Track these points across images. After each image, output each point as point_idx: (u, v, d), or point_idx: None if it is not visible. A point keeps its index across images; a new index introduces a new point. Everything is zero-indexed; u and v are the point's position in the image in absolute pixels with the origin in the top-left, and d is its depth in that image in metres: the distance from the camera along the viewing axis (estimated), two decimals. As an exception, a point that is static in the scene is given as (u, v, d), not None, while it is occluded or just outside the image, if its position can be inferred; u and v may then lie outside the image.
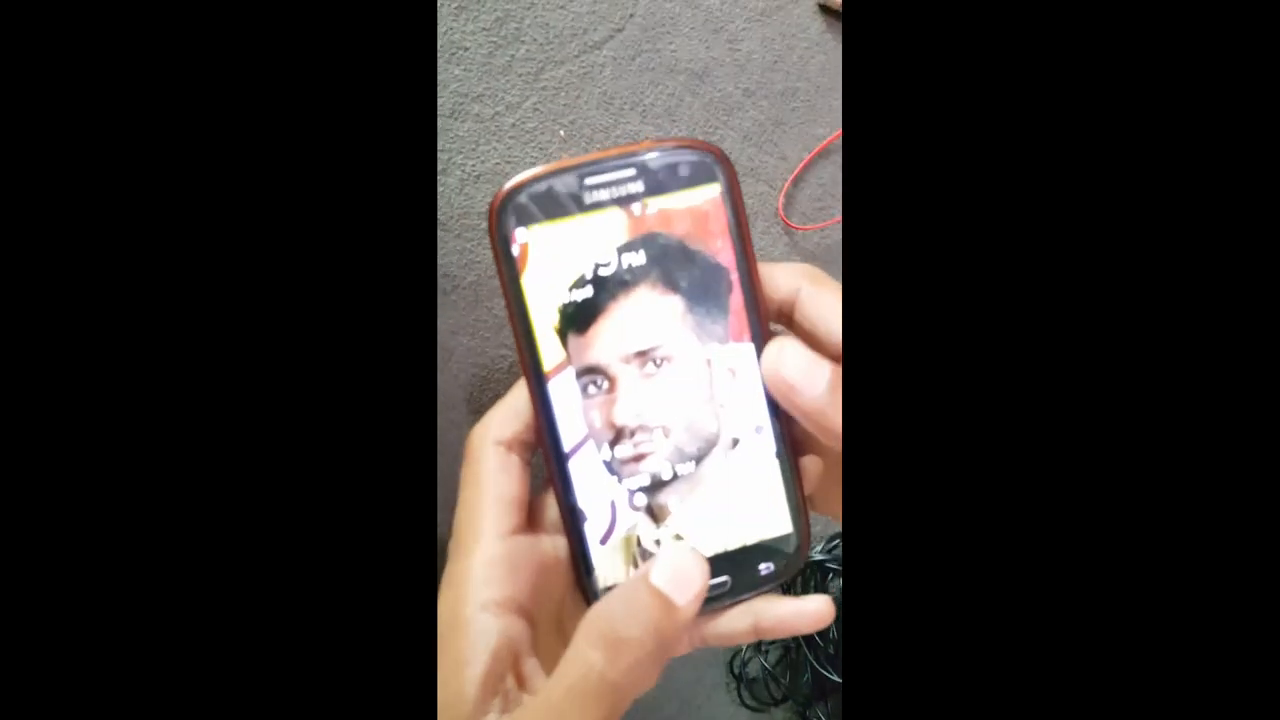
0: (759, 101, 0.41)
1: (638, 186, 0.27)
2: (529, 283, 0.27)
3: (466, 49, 0.34)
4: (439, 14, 0.33)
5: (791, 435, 0.29)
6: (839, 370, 0.25)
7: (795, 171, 0.43)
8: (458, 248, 0.35)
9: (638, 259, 0.27)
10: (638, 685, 0.23)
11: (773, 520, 0.29)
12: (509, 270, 0.27)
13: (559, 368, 0.27)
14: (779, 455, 0.29)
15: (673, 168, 0.27)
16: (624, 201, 0.27)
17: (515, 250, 0.27)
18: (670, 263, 0.28)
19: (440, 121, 0.34)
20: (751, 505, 0.29)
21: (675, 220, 0.27)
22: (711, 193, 0.28)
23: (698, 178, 0.28)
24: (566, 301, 0.27)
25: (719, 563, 0.29)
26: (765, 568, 0.29)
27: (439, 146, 0.34)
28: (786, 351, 0.26)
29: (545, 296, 0.27)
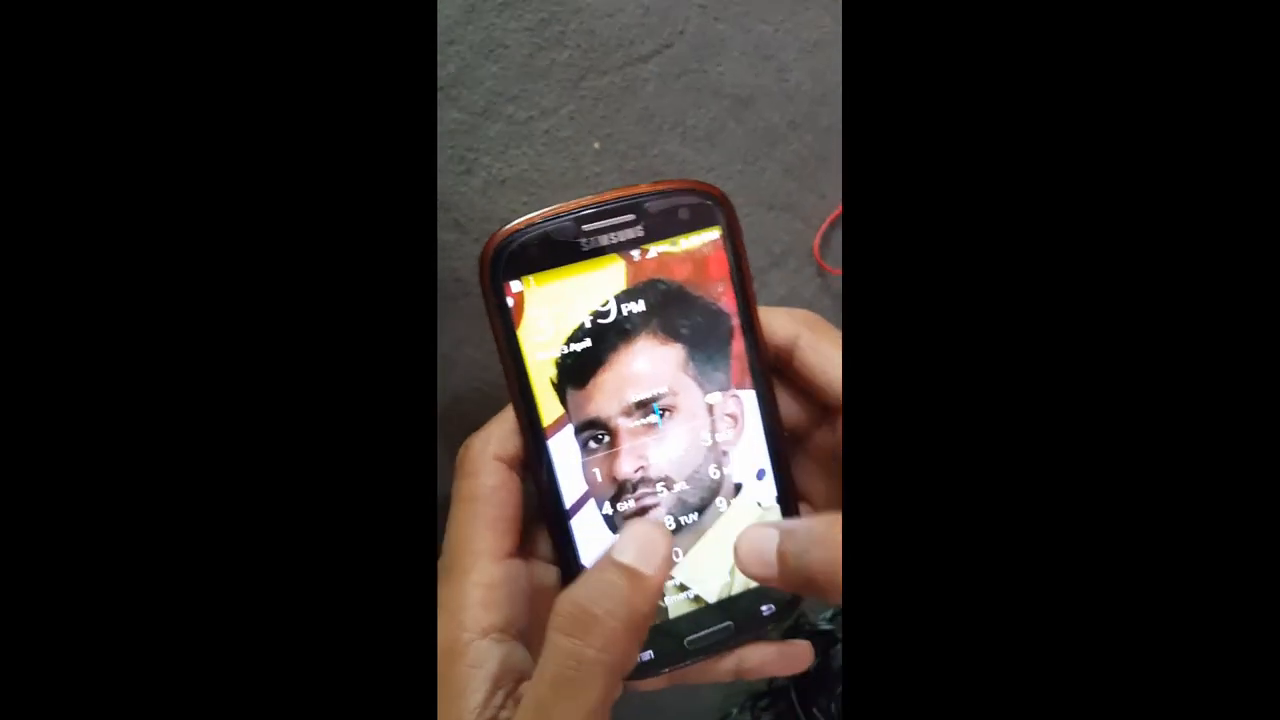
0: (803, 135, 0.39)
1: (637, 232, 0.26)
2: (525, 336, 0.26)
3: (507, 47, 0.32)
4: (481, 8, 0.31)
5: (792, 479, 0.29)
6: (788, 531, 0.24)
7: (835, 213, 0.41)
8: (474, 253, 0.33)
9: (637, 307, 0.26)
10: (620, 662, 0.22)
11: None
12: (503, 323, 0.26)
13: (558, 424, 0.26)
14: (779, 500, 0.29)
15: (672, 212, 0.26)
16: (623, 248, 0.26)
17: (510, 302, 0.25)
18: (671, 310, 0.27)
19: (470, 119, 0.32)
20: None
21: (675, 266, 0.27)
22: (712, 236, 0.27)
23: (698, 222, 0.27)
24: (564, 354, 0.26)
25: (722, 608, 0.29)
26: (767, 609, 0.29)
27: (466, 146, 0.32)
28: (740, 541, 0.25)
29: (542, 350, 0.26)
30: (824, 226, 0.41)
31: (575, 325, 0.26)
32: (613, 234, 0.26)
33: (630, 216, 0.26)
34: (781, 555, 0.24)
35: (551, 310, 0.26)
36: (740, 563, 0.24)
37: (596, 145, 0.35)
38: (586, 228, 0.26)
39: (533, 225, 0.25)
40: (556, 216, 0.25)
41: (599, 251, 0.26)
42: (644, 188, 0.26)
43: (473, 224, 0.33)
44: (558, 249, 0.25)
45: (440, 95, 0.31)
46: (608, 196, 0.26)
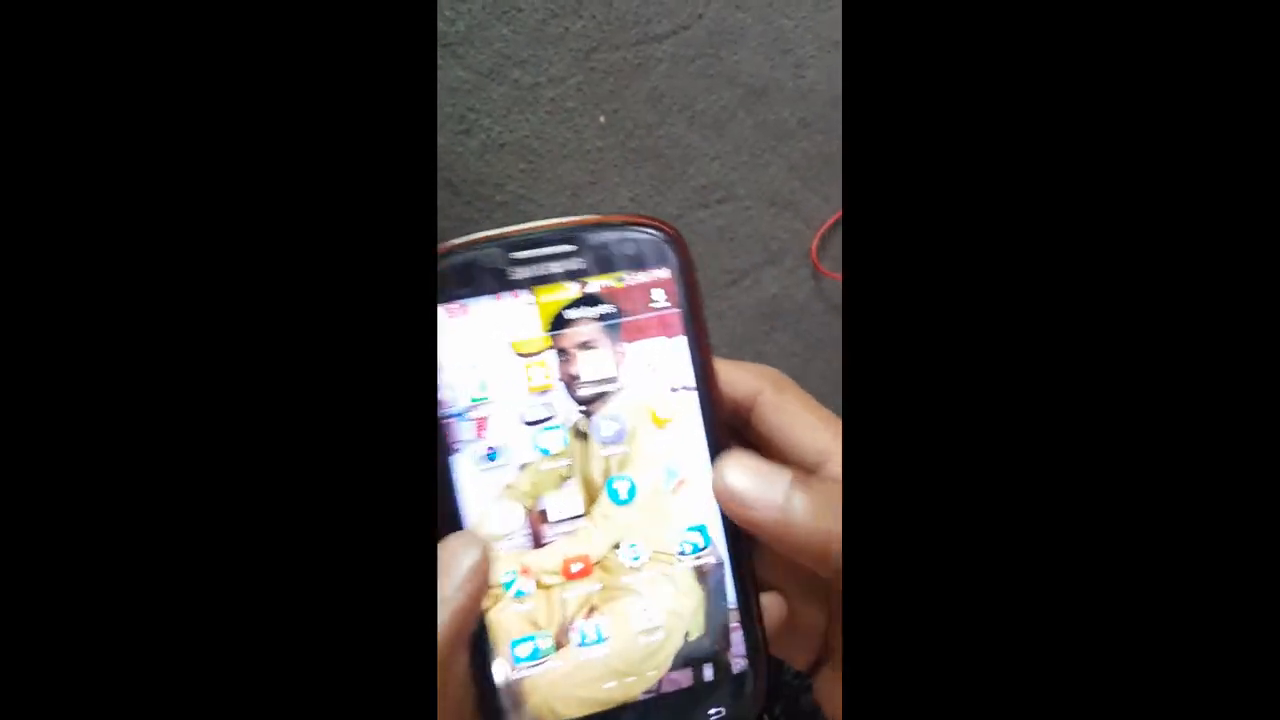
0: (814, 134, 0.39)
1: (575, 264, 0.24)
2: (443, 370, 0.24)
3: (520, 10, 0.32)
4: (498, -33, 0.31)
5: (752, 564, 0.25)
6: (804, 480, 0.22)
7: (836, 215, 0.40)
8: (464, 215, 0.33)
9: (570, 342, 0.24)
10: None
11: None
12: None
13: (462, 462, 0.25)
14: (735, 582, 0.26)
15: (618, 245, 0.25)
16: (557, 280, 0.24)
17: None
18: (609, 352, 0.24)
19: (474, 79, 0.32)
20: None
21: (618, 303, 0.25)
22: (661, 275, 0.25)
23: (647, 259, 0.25)
24: (483, 392, 0.24)
25: (661, 704, 0.25)
26: (715, 713, 0.25)
27: (468, 106, 0.32)
28: (731, 462, 0.23)
29: (456, 387, 0.24)
30: (823, 229, 0.40)
31: (497, 362, 0.24)
32: (546, 264, 0.24)
33: (569, 247, 0.24)
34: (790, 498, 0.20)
35: (474, 340, 0.24)
36: (727, 490, 0.22)
37: (602, 119, 0.34)
38: (516, 256, 0.24)
39: (455, 251, 0.23)
40: (488, 242, 0.23)
41: (531, 282, 0.24)
42: (587, 219, 0.25)
43: (466, 185, 0.33)
44: (486, 276, 0.24)
45: (445, 52, 0.31)
46: (550, 224, 0.24)
